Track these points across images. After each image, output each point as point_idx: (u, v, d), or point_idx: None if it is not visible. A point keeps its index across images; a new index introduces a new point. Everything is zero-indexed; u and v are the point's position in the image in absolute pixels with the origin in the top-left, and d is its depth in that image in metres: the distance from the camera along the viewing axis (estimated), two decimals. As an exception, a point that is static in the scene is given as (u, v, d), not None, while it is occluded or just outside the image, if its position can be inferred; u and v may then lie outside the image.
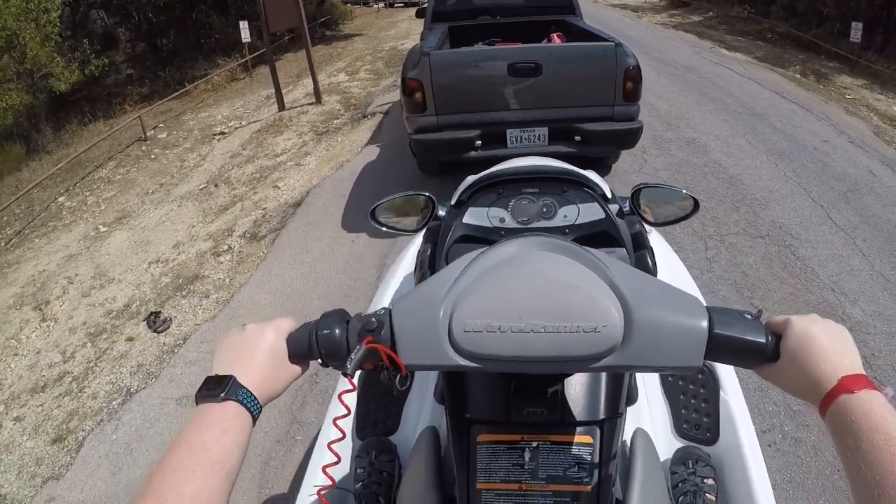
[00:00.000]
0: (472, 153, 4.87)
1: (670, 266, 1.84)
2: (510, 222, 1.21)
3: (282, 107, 10.49)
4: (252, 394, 0.73)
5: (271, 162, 7.95)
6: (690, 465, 1.25)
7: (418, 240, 1.47)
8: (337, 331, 0.77)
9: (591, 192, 1.25)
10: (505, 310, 0.71)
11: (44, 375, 4.25)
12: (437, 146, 4.98)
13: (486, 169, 1.42)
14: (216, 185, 7.40)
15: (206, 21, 17.44)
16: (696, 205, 1.29)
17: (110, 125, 12.06)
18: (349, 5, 28.60)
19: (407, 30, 20.37)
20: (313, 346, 0.78)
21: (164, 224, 6.52)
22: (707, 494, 1.21)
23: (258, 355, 0.75)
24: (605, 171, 5.47)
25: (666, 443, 1.31)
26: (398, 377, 0.73)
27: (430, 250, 1.22)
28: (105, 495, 3.18)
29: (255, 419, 0.73)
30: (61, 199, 8.13)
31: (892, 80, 14.09)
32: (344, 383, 0.75)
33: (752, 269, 4.63)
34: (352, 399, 0.81)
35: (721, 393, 1.37)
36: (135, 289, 5.20)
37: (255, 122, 10.29)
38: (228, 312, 4.60)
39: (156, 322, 4.50)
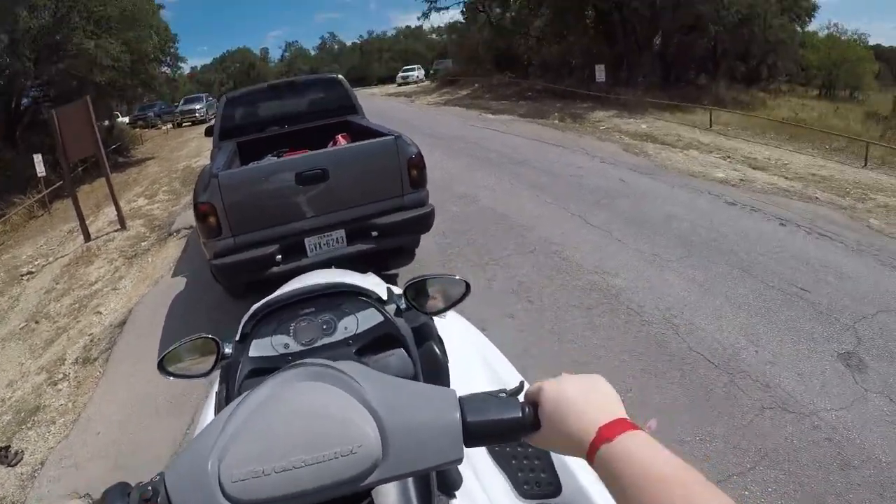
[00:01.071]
0: (275, 269, 4.96)
1: (475, 344, 1.92)
2: (294, 347, 1.27)
3: (88, 237, 10.43)
4: None
5: (87, 291, 7.95)
6: None
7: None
8: None
9: (366, 299, 1.33)
10: (266, 452, 0.75)
11: None
12: (237, 268, 5.00)
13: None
14: (37, 322, 7.27)
15: (2, 158, 17.16)
16: (468, 287, 1.35)
17: None
18: (138, 129, 28.89)
19: (198, 148, 21.13)
20: None
21: None
22: None
23: None
24: (410, 258, 5.81)
25: None
26: None
27: (224, 392, 1.26)
28: None
29: None
30: None
31: (636, 106, 17.15)
32: None
33: (526, 277, 5.66)
34: None
35: None
36: None
37: (62, 256, 10.14)
38: (79, 429, 4.64)
39: (7, 457, 4.45)
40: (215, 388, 1.49)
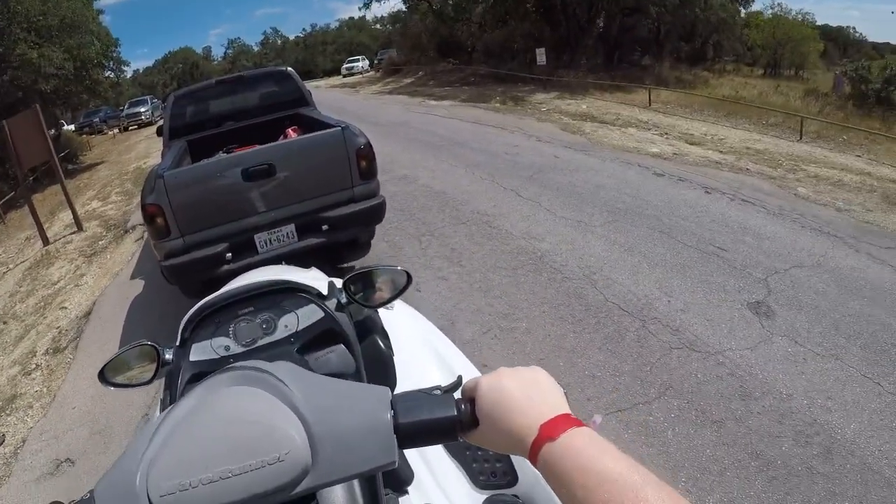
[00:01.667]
0: (225, 267, 4.97)
1: (424, 335, 1.90)
2: (235, 348, 1.26)
3: (46, 241, 10.61)
4: None
5: (51, 290, 8.16)
6: None
7: None
8: None
9: (305, 296, 1.32)
10: (193, 464, 0.74)
11: None
12: (187, 268, 5.03)
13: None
14: (4, 323, 7.46)
15: None
16: (409, 277, 1.36)
17: None
18: (84, 136, 28.48)
19: (147, 149, 21.17)
20: None
21: None
22: None
23: None
24: (365, 249, 5.87)
25: (471, 500, 1.37)
26: None
27: (168, 398, 1.25)
28: None
29: None
30: None
31: (578, 88, 17.56)
32: None
33: (458, 245, 6.01)
34: None
35: None
36: None
37: (22, 262, 10.31)
38: (56, 407, 4.91)
39: None
40: (160, 395, 1.50)
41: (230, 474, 0.72)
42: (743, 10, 29.50)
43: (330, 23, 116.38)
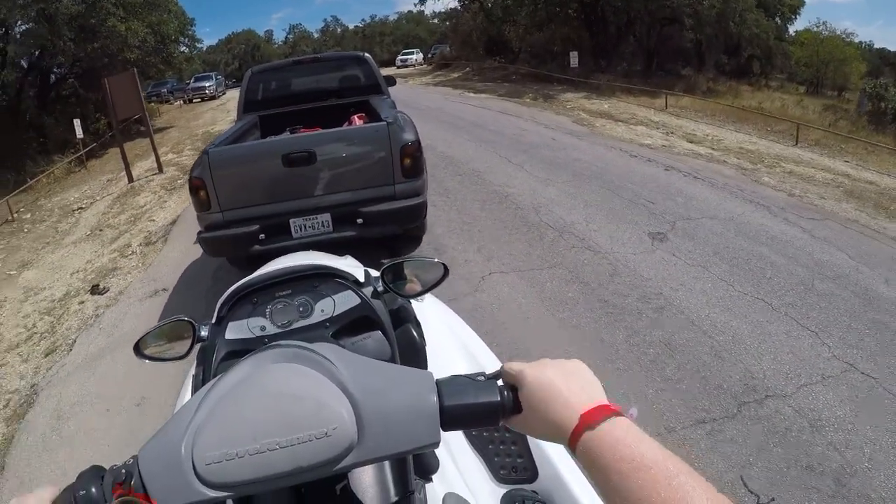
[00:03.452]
0: (257, 247, 5.20)
1: (451, 328, 1.98)
2: (271, 329, 1.29)
3: (131, 179, 13.14)
4: None
5: (140, 211, 10.25)
6: None
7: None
8: (93, 488, 0.82)
9: (342, 282, 1.35)
10: (239, 434, 0.78)
11: (23, 333, 6.15)
12: (221, 243, 5.34)
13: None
14: (101, 230, 9.58)
15: (38, 123, 20.75)
16: (446, 269, 1.38)
17: None
18: (153, 103, 31.51)
19: (213, 118, 23.98)
20: None
21: (68, 257, 8.53)
22: None
23: None
24: (416, 243, 6.08)
25: (490, 493, 1.43)
26: None
27: (201, 374, 1.29)
28: (93, 353, 5.27)
29: None
30: None
31: (606, 90, 19.28)
32: None
33: (451, 187, 8.08)
34: None
35: None
36: (66, 286, 7.15)
37: (109, 195, 12.62)
38: (151, 270, 6.72)
39: (98, 289, 6.73)
40: (192, 370, 1.56)
41: (277, 446, 0.78)
42: (781, 25, 30.19)
43: (389, 15, 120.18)
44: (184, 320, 1.32)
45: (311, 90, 7.97)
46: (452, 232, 6.19)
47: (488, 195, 7.65)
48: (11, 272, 8.66)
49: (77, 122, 16.14)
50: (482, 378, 0.87)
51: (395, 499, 1.06)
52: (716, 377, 3.77)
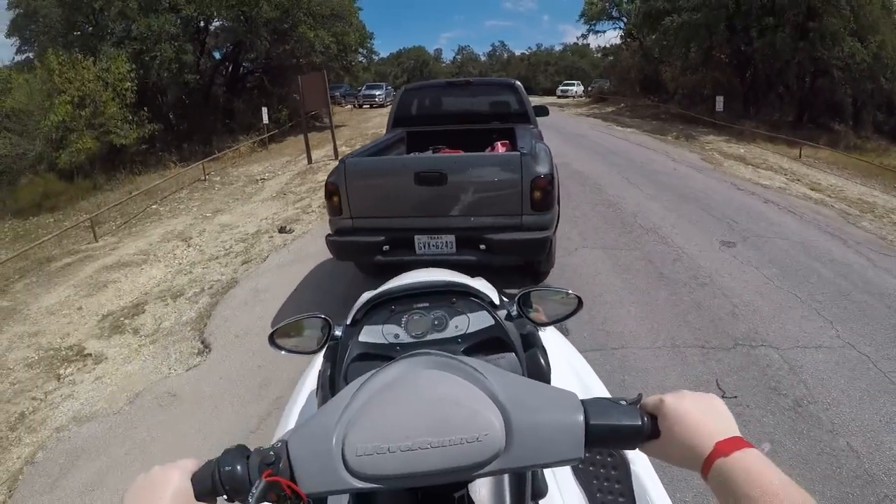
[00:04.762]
0: (380, 257, 5.36)
1: (568, 360, 2.05)
2: (405, 337, 1.35)
3: (310, 161, 16.18)
4: None
5: (318, 185, 12.54)
6: None
7: (319, 359, 1.67)
8: (238, 467, 0.87)
9: (479, 301, 1.40)
10: (392, 431, 0.83)
11: (221, 251, 8.58)
12: (347, 248, 5.55)
13: (391, 280, 1.61)
14: (284, 194, 12.12)
15: (227, 107, 25.37)
16: (580, 302, 1.43)
17: (161, 175, 17.01)
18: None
19: (381, 122, 27.05)
20: (217, 483, 0.87)
21: (256, 209, 11.11)
22: None
23: (164, 500, 0.83)
24: (541, 276, 6.16)
25: None
26: None
27: (329, 370, 1.37)
28: (283, 262, 7.61)
29: None
30: (154, 206, 12.85)
31: (748, 136, 20.11)
32: None
33: (574, 194, 10.00)
34: None
35: (632, 470, 1.58)
36: (257, 226, 9.73)
37: (290, 171, 15.59)
38: (325, 225, 7.12)
39: (285, 230, 9.20)
40: (317, 366, 1.71)
41: (428, 445, 0.82)
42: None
43: (554, 45, 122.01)
44: (320, 317, 1.41)
45: (459, 112, 8.11)
46: (564, 220, 7.18)
47: (601, 201, 9.50)
48: (207, 215, 11.40)
49: (265, 110, 19.82)
50: (623, 402, 0.92)
51: None
52: (726, 327, 5.08)
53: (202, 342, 5.65)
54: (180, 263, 8.41)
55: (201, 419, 4.39)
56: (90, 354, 5.75)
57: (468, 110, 8.06)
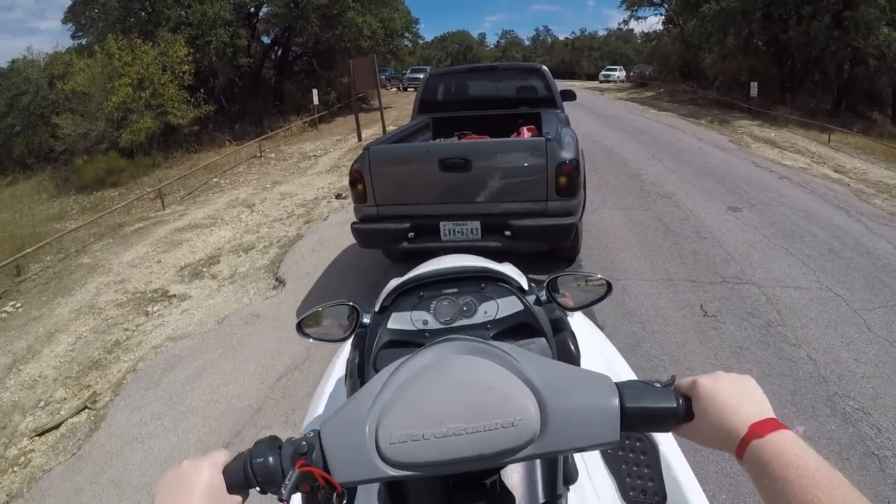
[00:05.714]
0: (405, 244, 5.33)
1: (596, 345, 2.05)
2: (433, 324, 1.33)
3: (360, 139, 17.22)
4: None
5: None
6: None
7: (347, 346, 1.65)
8: (270, 458, 0.87)
9: (508, 287, 1.38)
10: (426, 418, 0.82)
11: (284, 214, 9.79)
12: (372, 235, 5.50)
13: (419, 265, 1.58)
14: (338, 168, 13.28)
15: (278, 89, 27.05)
16: (609, 287, 1.42)
17: (217, 153, 18.43)
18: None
19: None
20: (249, 475, 0.86)
21: (312, 180, 12.32)
22: None
23: (196, 494, 0.83)
24: (569, 263, 6.18)
25: None
26: (335, 495, 0.84)
27: (357, 358, 1.34)
28: (343, 220, 8.35)
29: None
30: (215, 180, 14.43)
31: (781, 121, 20.66)
32: None
33: (600, 166, 11.10)
34: None
35: (661, 455, 1.57)
36: (315, 194, 10.98)
37: (340, 149, 16.76)
38: None
39: (341, 196, 10.37)
40: (345, 354, 1.71)
41: (463, 432, 0.81)
42: None
43: (598, 30, 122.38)
44: (348, 305, 1.43)
45: (484, 97, 8.06)
46: (588, 187, 7.16)
47: (624, 172, 10.59)
48: (267, 186, 12.66)
49: (315, 92, 21.24)
50: (658, 385, 0.91)
51: (542, 500, 1.11)
52: (717, 267, 6.04)
53: (276, 279, 6.78)
54: (247, 225, 9.61)
55: (283, 330, 5.37)
56: (174, 295, 6.73)
57: (494, 95, 8.05)
